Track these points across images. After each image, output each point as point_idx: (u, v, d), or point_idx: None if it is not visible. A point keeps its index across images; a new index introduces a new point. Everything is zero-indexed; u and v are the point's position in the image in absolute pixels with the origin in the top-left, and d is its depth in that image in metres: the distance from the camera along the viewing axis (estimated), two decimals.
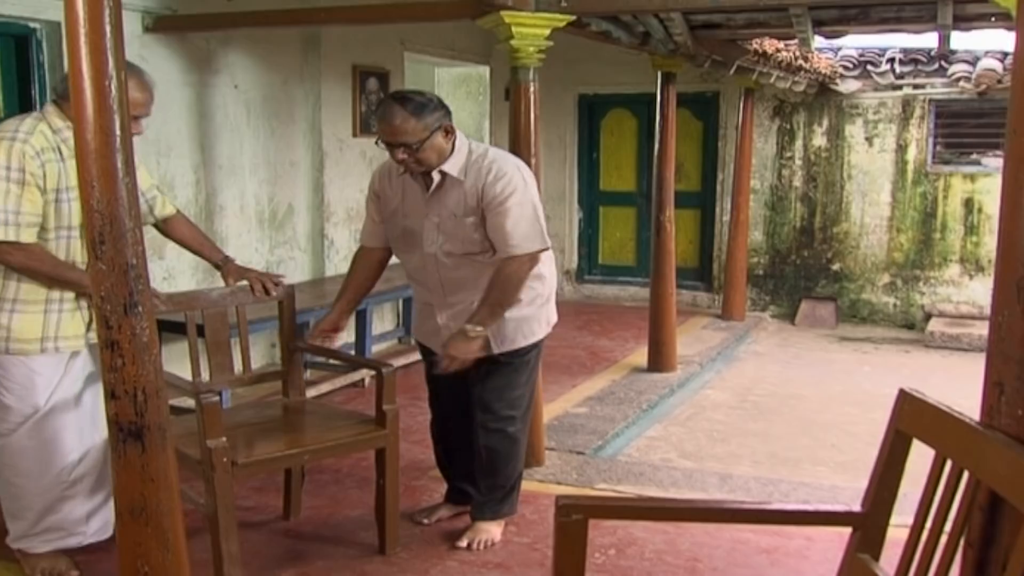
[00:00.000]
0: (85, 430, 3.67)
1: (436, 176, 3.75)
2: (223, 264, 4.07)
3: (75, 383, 3.65)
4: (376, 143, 3.78)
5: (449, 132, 3.72)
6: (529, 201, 3.74)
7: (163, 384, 2.37)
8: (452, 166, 3.74)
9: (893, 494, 2.21)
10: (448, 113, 3.76)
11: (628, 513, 3.09)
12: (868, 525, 2.23)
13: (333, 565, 3.86)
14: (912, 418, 2.15)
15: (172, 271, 5.97)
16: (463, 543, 3.99)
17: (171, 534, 2.31)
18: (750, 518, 2.82)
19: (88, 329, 3.59)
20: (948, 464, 2.00)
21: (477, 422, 4.00)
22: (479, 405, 3.98)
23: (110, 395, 2.22)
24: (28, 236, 3.38)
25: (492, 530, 4.06)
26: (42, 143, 3.39)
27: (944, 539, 1.96)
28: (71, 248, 3.54)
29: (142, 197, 3.77)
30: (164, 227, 4.10)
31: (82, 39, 1.95)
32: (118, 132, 2.02)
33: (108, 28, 1.96)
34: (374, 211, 4.05)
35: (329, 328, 4.03)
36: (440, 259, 3.83)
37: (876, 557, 2.24)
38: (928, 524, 2.04)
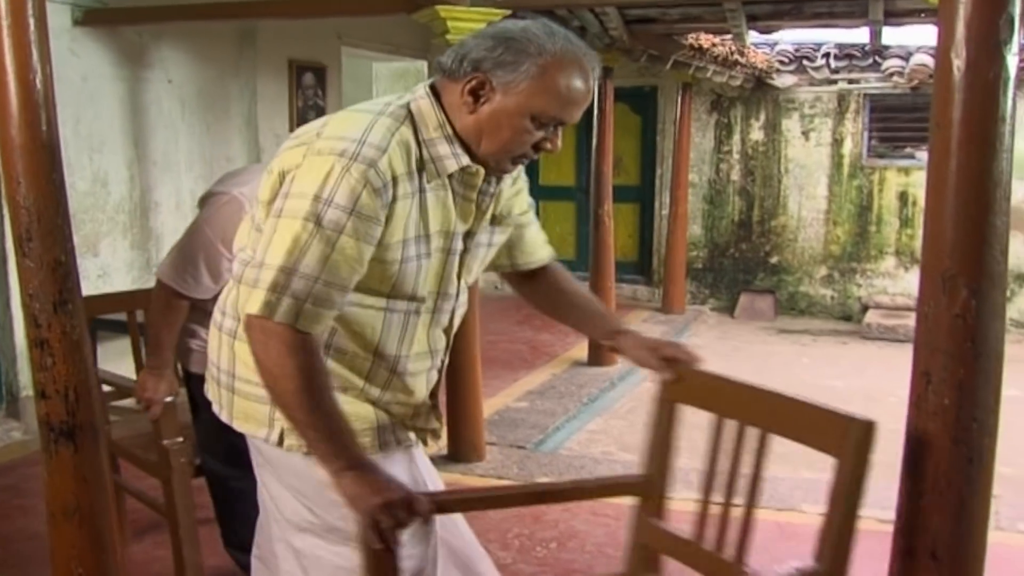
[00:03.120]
0: None
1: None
2: (617, 337, 2.48)
3: None
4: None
5: None
6: None
7: (95, 383, 2.34)
8: None
9: (668, 460, 2.38)
10: None
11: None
12: (650, 491, 2.38)
13: None
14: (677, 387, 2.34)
15: (107, 269, 5.88)
16: None
17: (106, 535, 2.28)
18: (550, 498, 3.01)
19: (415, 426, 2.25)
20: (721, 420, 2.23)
21: None
22: None
23: (40, 394, 2.19)
24: (313, 323, 1.94)
25: None
26: (399, 165, 1.94)
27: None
28: (404, 337, 2.13)
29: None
30: (526, 282, 2.56)
31: (4, 32, 1.92)
32: (44, 127, 1.99)
33: (32, 21, 1.93)
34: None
35: None
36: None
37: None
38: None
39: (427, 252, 2.06)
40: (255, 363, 1.96)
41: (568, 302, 2.55)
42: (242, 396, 2.15)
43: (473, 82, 1.97)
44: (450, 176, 2.05)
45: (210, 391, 2.28)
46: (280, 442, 2.09)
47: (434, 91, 2.04)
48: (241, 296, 2.03)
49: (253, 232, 2.07)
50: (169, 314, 3.18)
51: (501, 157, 2.06)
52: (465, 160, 2.03)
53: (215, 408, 2.25)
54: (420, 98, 2.04)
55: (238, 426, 2.18)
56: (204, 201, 3.32)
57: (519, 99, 1.96)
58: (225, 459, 3.19)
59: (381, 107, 2.03)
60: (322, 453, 1.92)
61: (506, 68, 1.95)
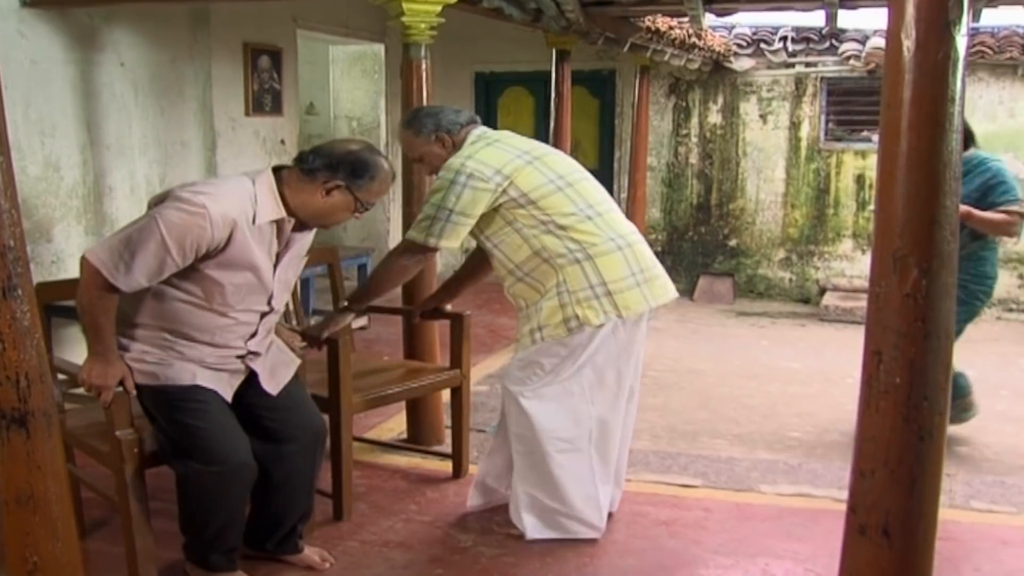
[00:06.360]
0: None
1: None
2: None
3: None
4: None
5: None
6: None
7: (48, 369, 2.31)
8: None
9: None
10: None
11: None
12: None
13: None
14: None
15: (60, 255, 5.81)
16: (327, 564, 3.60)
17: (61, 523, 2.26)
18: None
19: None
20: None
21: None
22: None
23: None
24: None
25: None
26: None
27: None
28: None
29: None
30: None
31: None
32: None
33: None
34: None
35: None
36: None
37: None
38: None
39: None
40: None
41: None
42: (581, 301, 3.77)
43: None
44: None
45: (559, 317, 3.74)
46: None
47: None
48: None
49: None
50: (104, 299, 3.15)
51: None
52: None
53: (602, 318, 3.80)
54: None
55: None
56: (166, 199, 3.14)
57: None
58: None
59: None
60: None
61: None
